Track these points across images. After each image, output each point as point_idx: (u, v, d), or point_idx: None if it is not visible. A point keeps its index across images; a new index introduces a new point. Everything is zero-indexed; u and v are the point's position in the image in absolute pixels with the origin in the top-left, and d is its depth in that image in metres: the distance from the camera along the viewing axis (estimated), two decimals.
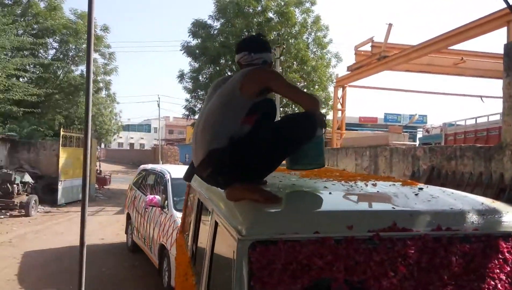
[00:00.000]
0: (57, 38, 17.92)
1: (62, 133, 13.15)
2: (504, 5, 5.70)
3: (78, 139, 13.84)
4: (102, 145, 45.38)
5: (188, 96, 18.15)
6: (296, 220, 1.47)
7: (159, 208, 6.02)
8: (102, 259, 6.95)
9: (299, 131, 1.79)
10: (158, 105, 36.60)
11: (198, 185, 2.75)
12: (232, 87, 1.84)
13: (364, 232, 1.44)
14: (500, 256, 1.49)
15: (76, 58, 18.29)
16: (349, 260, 1.35)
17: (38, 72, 16.82)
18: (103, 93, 20.54)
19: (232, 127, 1.78)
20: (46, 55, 18.23)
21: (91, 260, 6.39)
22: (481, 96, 15.75)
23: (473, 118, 15.98)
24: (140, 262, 6.81)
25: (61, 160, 12.89)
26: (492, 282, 1.43)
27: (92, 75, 3.93)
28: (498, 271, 1.46)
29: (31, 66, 16.79)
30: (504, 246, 1.52)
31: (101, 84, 19.36)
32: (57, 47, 18.37)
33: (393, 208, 1.64)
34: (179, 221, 4.92)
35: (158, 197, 6.21)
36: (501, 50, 5.87)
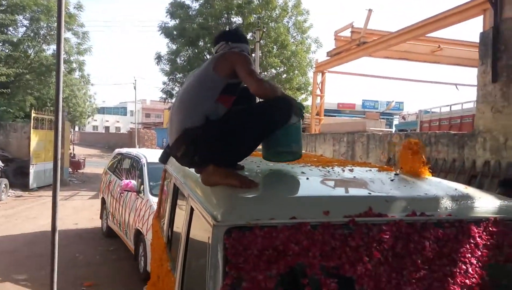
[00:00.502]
0: (27, 15, 17.11)
1: (33, 115, 12.70)
2: None
3: (50, 122, 13.40)
4: (76, 128, 44.23)
5: (165, 78, 17.80)
6: (272, 205, 1.45)
7: (135, 193, 5.92)
8: (76, 244, 6.83)
9: (274, 113, 1.78)
10: (134, 88, 35.78)
11: (174, 170, 2.70)
12: (207, 66, 1.89)
13: (340, 217, 1.43)
14: (472, 241, 1.52)
15: (48, 37, 17.50)
16: (325, 245, 1.35)
17: (7, 51, 16.08)
18: (77, 74, 19.80)
19: (207, 105, 1.79)
20: (15, 33, 17.41)
21: (64, 245, 6.29)
22: (456, 84, 16.10)
23: (447, 105, 16.38)
24: (115, 247, 6.73)
25: (33, 143, 12.49)
26: (464, 266, 1.46)
27: (63, 54, 3.76)
28: (469, 255, 1.49)
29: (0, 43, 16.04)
30: (476, 231, 1.55)
31: (74, 65, 18.63)
32: (28, 25, 17.55)
33: (369, 193, 1.65)
34: (155, 206, 4.86)
35: (133, 182, 6.10)
36: (477, 39, 5.97)
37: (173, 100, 17.83)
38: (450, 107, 16.06)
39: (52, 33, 17.29)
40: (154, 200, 5.24)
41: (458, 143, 6.16)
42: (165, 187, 3.29)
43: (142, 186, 5.91)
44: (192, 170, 2.07)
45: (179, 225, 2.18)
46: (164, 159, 2.09)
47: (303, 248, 1.32)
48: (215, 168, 1.71)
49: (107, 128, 62.71)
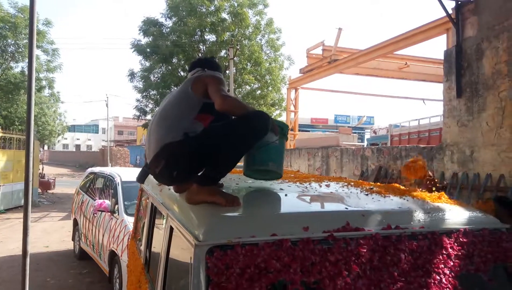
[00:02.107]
0: None
1: (0, 134, 12.26)
2: (444, 14, 6.09)
3: (18, 141, 12.96)
4: (46, 147, 42.85)
5: (139, 95, 17.60)
6: (253, 223, 1.47)
7: (109, 213, 5.79)
8: (47, 268, 6.56)
9: (249, 127, 1.79)
10: (107, 105, 35.16)
11: (151, 189, 2.67)
12: (185, 85, 1.98)
13: (319, 232, 1.47)
14: (444, 252, 1.59)
15: (15, 54, 17.08)
16: (305, 261, 1.37)
17: None
18: (46, 92, 19.30)
19: (186, 122, 1.86)
20: None
21: (35, 269, 6.05)
22: (423, 99, 16.74)
23: (416, 119, 16.96)
24: (88, 269, 6.50)
25: (0, 163, 12.02)
26: (438, 277, 1.51)
27: (34, 72, 3.69)
28: (442, 266, 1.55)
29: None
30: (448, 242, 1.62)
31: (44, 82, 18.14)
32: None
33: (346, 208, 1.69)
34: (130, 226, 4.77)
35: (107, 202, 5.96)
36: (442, 56, 6.26)
37: (148, 117, 17.66)
38: (419, 121, 16.63)
39: (20, 50, 16.90)
40: (129, 220, 5.13)
41: (428, 156, 6.38)
42: (141, 207, 3.25)
43: (116, 206, 5.78)
44: (171, 189, 2.07)
45: (158, 245, 2.16)
46: (142, 178, 2.08)
47: (284, 265, 1.35)
48: (199, 187, 1.72)
49: (78, 146, 61.12)
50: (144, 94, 17.39)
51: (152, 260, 2.40)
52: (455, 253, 1.60)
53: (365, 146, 15.08)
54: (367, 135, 31.31)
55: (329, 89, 15.97)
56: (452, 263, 1.57)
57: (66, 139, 53.72)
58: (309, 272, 1.36)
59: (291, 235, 1.43)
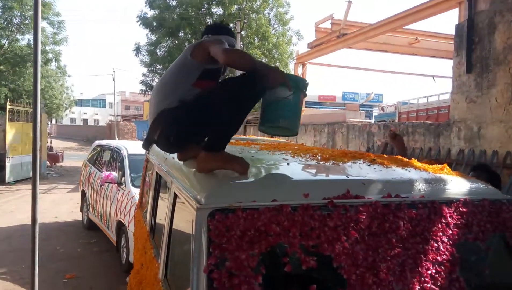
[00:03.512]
0: None
1: (8, 106, 12.35)
2: None
3: (26, 114, 13.06)
4: (53, 121, 43.16)
5: (145, 70, 17.57)
6: (254, 188, 1.49)
7: (116, 185, 5.88)
8: (56, 238, 6.74)
9: (239, 88, 1.69)
10: (113, 79, 35.09)
11: (156, 159, 2.71)
12: (185, 52, 1.96)
13: (319, 199, 1.49)
14: (443, 221, 1.60)
15: (22, 26, 16.99)
16: (304, 226, 1.40)
17: None
18: (53, 65, 19.30)
19: (183, 89, 1.84)
20: None
21: (44, 238, 6.21)
22: (433, 76, 16.45)
23: (425, 97, 16.75)
24: (96, 239, 6.67)
25: (9, 136, 12.17)
26: (435, 244, 1.54)
27: (40, 45, 3.68)
28: (440, 234, 1.57)
29: None
30: (447, 211, 1.64)
31: (50, 55, 18.12)
32: (0, 13, 16.97)
33: (347, 177, 1.71)
34: (137, 197, 4.85)
35: (114, 173, 6.05)
36: (453, 31, 6.12)
37: None
38: (427, 99, 16.43)
39: (27, 22, 16.80)
40: (136, 192, 5.22)
41: (434, 133, 6.34)
42: (147, 177, 3.30)
43: (123, 178, 5.87)
44: (175, 157, 2.09)
45: (162, 212, 2.21)
46: (146, 145, 2.11)
47: (283, 229, 1.37)
48: (208, 154, 1.70)
49: (85, 120, 61.49)
50: (150, 68, 17.35)
51: (157, 227, 2.46)
52: (454, 222, 1.62)
53: (372, 123, 15.00)
54: (375, 113, 31.08)
55: (338, 64, 15.71)
56: (450, 232, 1.59)
57: (74, 113, 54.09)
58: (308, 236, 1.39)
59: (291, 201, 1.45)
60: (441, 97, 15.46)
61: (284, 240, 1.36)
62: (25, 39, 17.84)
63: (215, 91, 1.79)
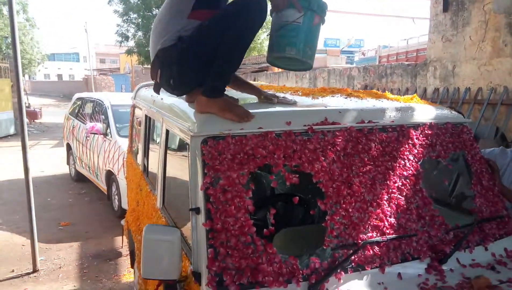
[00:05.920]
0: None
1: None
2: None
3: None
4: (27, 77, 41.61)
5: (119, 20, 16.86)
6: None
7: (102, 136, 5.96)
8: (46, 190, 6.88)
9: (236, 16, 1.54)
10: (86, 31, 33.53)
11: (144, 103, 2.81)
12: None
13: (300, 126, 1.65)
14: (410, 142, 1.81)
15: None
16: (287, 149, 1.58)
17: None
18: (21, 16, 18.35)
19: (178, 23, 1.65)
20: None
21: (34, 191, 6.30)
22: (413, 18, 16.40)
23: (404, 39, 16.76)
24: (86, 190, 6.84)
25: None
26: (402, 162, 1.75)
27: None
28: (407, 153, 1.78)
29: None
30: (414, 134, 1.83)
31: (17, 6, 17.16)
32: None
33: (325, 107, 1.87)
34: (124, 147, 4.97)
35: (99, 124, 6.11)
36: None
37: (129, 43, 17.04)
38: (407, 41, 16.47)
39: None
40: (122, 141, 5.33)
41: (411, 73, 6.53)
42: (135, 122, 3.41)
43: (108, 129, 5.94)
44: (163, 99, 2.20)
45: (155, 150, 2.36)
46: (156, 89, 1.91)
47: (269, 152, 1.55)
48: (207, 99, 1.59)
49: (59, 76, 59.36)
50: (124, 18, 16.65)
51: (150, 165, 2.62)
52: (420, 142, 1.82)
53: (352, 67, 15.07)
54: (356, 58, 31.00)
55: None
56: (416, 151, 1.80)
57: (47, 68, 52.00)
58: (291, 157, 1.57)
59: (275, 128, 1.61)
60: (420, 40, 15.51)
61: (270, 161, 1.53)
62: None
63: (213, 20, 1.58)
